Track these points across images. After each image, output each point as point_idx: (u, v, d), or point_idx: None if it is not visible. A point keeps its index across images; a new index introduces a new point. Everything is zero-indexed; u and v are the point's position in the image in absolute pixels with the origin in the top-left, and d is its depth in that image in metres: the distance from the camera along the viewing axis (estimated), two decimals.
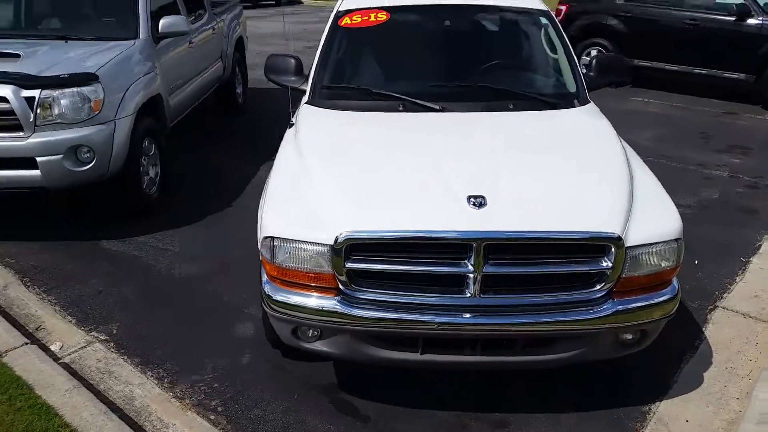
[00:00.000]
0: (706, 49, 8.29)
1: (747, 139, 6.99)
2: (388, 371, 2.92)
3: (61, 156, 3.92)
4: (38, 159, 3.88)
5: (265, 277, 2.55)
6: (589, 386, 2.96)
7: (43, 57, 4.29)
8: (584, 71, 3.62)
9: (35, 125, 3.85)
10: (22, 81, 3.84)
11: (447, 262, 2.37)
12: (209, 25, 6.48)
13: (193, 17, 6.03)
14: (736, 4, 7.95)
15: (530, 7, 3.80)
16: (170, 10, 5.41)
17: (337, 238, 2.32)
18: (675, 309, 2.59)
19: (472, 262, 2.32)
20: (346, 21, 3.62)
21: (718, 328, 3.47)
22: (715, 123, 7.63)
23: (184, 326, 3.39)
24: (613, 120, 3.24)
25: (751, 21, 7.92)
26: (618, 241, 2.36)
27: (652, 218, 2.51)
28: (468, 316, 2.37)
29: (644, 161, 3.03)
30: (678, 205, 5.07)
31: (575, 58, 3.58)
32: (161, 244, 4.28)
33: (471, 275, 2.34)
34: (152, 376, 3.00)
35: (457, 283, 2.39)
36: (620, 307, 2.44)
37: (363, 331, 2.44)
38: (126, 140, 4.23)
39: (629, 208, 2.48)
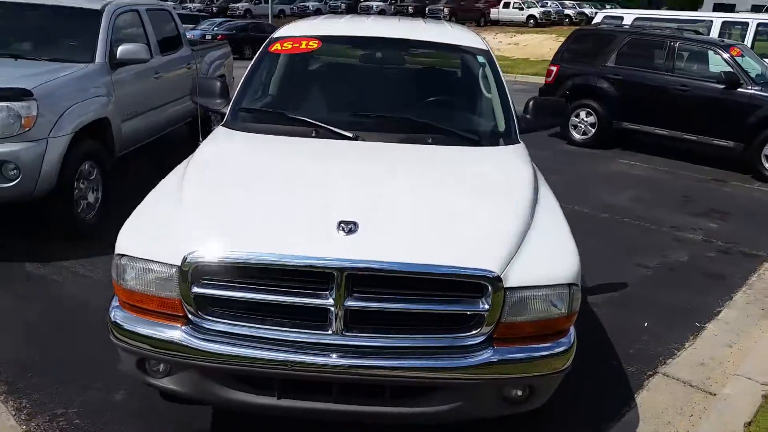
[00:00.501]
0: (696, 115, 8.15)
1: (729, 205, 6.73)
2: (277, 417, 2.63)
3: None
4: None
5: (115, 302, 2.31)
6: None
7: None
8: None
9: None
10: None
11: (306, 293, 2.12)
12: (185, 62, 6.52)
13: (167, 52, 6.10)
14: (725, 72, 7.85)
15: (468, 45, 3.67)
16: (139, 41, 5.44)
17: (185, 259, 2.11)
18: (568, 364, 2.29)
19: (334, 295, 2.09)
20: (276, 47, 3.53)
21: (652, 396, 3.14)
22: (699, 188, 7.39)
23: (73, 356, 3.14)
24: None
25: (740, 90, 7.79)
26: (496, 280, 2.12)
27: (543, 261, 2.26)
28: (329, 356, 2.11)
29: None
30: (642, 266, 4.99)
31: (509, 98, 3.42)
32: (83, 270, 4.10)
33: (332, 309, 2.10)
34: (12, 406, 2.74)
35: (319, 317, 2.14)
36: (500, 357, 2.15)
37: (212, 368, 2.16)
38: (58, 161, 4.12)
39: (516, 247, 2.25)
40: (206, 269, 2.12)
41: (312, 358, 2.11)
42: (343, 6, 42.94)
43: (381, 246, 2.14)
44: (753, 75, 8.01)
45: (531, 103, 3.44)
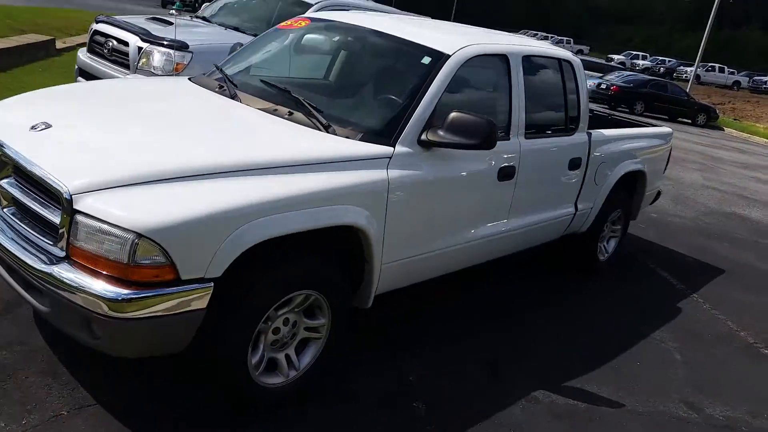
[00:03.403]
0: None
1: None
2: None
3: None
4: None
5: None
6: None
7: None
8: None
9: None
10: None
11: None
12: None
13: None
14: None
15: (422, 43, 3.31)
16: None
17: None
18: (117, 315, 2.12)
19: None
20: (282, 24, 4.05)
21: None
22: None
23: None
24: None
25: None
26: (66, 198, 2.16)
27: (136, 204, 2.16)
28: None
29: None
30: None
31: (423, 104, 3.00)
32: None
33: None
34: None
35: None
36: (62, 274, 2.17)
37: None
38: None
39: (126, 181, 2.22)
40: None
41: None
42: None
43: (38, 144, 2.45)
44: None
45: (450, 116, 2.90)
